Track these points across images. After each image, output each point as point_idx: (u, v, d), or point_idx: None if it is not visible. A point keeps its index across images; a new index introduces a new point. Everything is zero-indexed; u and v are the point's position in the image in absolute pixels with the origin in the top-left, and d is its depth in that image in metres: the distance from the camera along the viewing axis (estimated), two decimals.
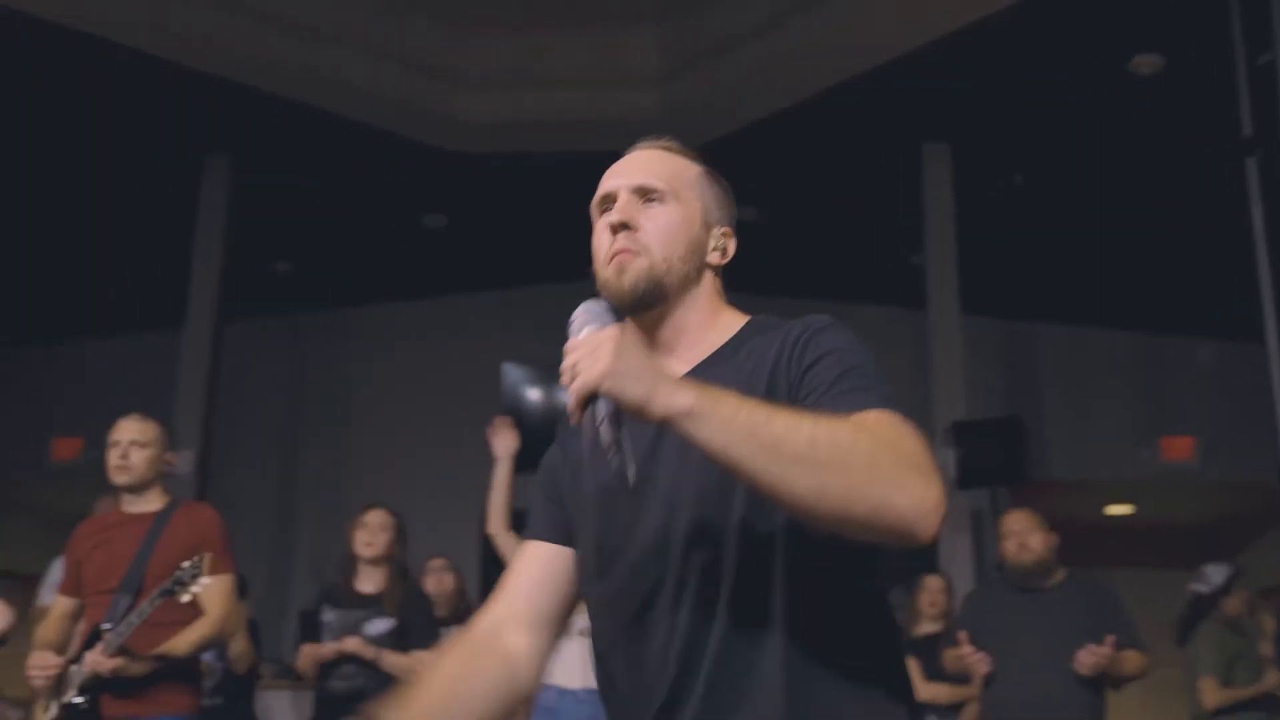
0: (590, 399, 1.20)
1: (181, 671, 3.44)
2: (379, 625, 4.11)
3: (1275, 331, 3.33)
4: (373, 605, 4.15)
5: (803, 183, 7.12)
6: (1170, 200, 6.75)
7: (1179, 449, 7.91)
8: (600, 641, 1.42)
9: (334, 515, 7.49)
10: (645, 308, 1.44)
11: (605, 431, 1.20)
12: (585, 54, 6.72)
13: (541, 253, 8.37)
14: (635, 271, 1.43)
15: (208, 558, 3.33)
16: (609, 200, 1.48)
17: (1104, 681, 3.83)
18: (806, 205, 7.37)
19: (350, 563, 4.25)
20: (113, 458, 3.57)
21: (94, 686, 3.31)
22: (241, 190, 7.06)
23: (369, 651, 4.02)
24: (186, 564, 3.30)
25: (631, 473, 1.22)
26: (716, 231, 1.49)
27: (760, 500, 1.22)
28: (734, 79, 6.43)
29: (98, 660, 3.27)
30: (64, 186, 7.00)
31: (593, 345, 1.20)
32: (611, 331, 1.22)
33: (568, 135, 6.73)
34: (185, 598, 3.30)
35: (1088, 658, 3.69)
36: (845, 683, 1.28)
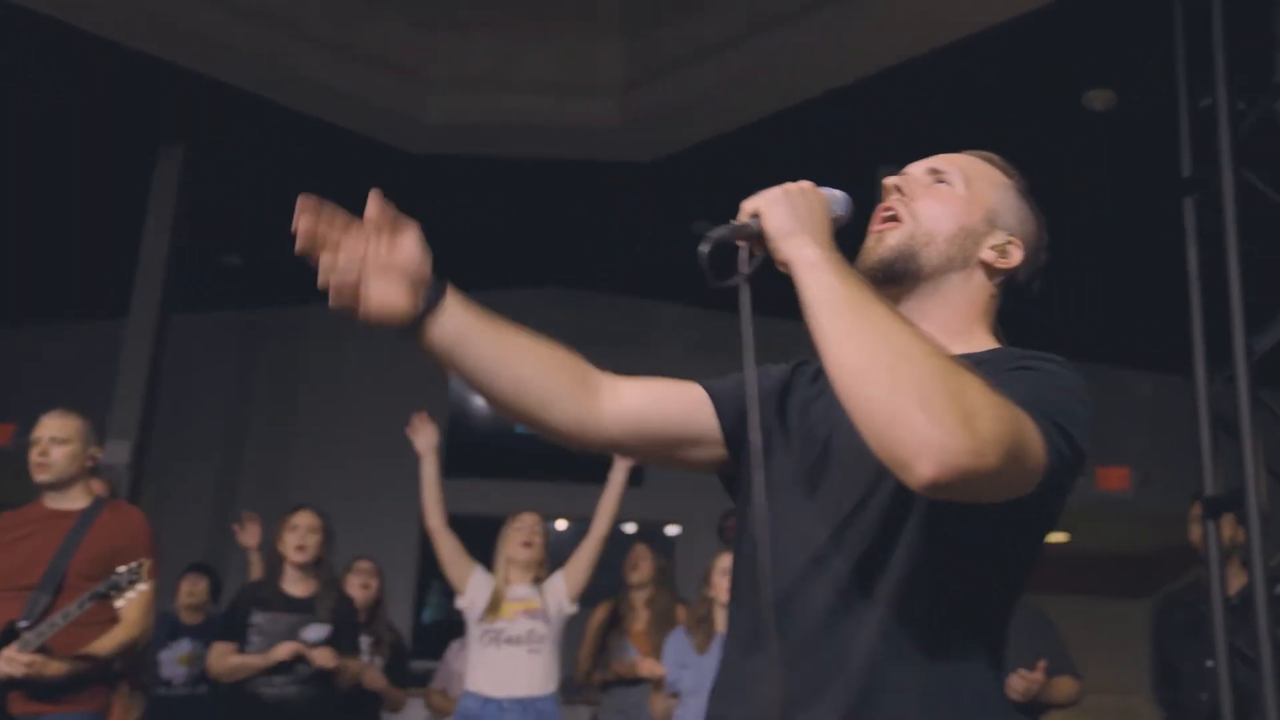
0: (751, 220, 1.26)
1: (96, 672, 3.37)
2: (316, 631, 4.02)
3: (1204, 368, 3.41)
4: (305, 610, 4.07)
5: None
6: (1115, 234, 6.88)
7: (1115, 479, 8.05)
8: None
9: (275, 513, 7.43)
10: (893, 281, 1.36)
11: (742, 250, 1.25)
12: (550, 61, 6.73)
13: (496, 257, 8.37)
14: (892, 239, 1.37)
15: (146, 564, 3.29)
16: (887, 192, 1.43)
17: (1035, 708, 3.88)
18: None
19: (278, 564, 4.14)
20: (33, 455, 3.49)
21: (4, 685, 3.24)
22: (195, 180, 6.98)
23: (322, 658, 3.92)
24: (124, 569, 3.24)
25: (743, 281, 1.24)
26: (1003, 235, 1.40)
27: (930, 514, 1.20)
28: (696, 93, 6.47)
29: (12, 658, 3.19)
30: (12, 169, 6.88)
31: (798, 186, 1.27)
32: (807, 184, 1.28)
33: (528, 141, 6.73)
34: (119, 602, 3.25)
35: (1019, 683, 3.73)
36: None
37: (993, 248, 1.39)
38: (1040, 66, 5.75)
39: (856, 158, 6.73)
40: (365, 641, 4.63)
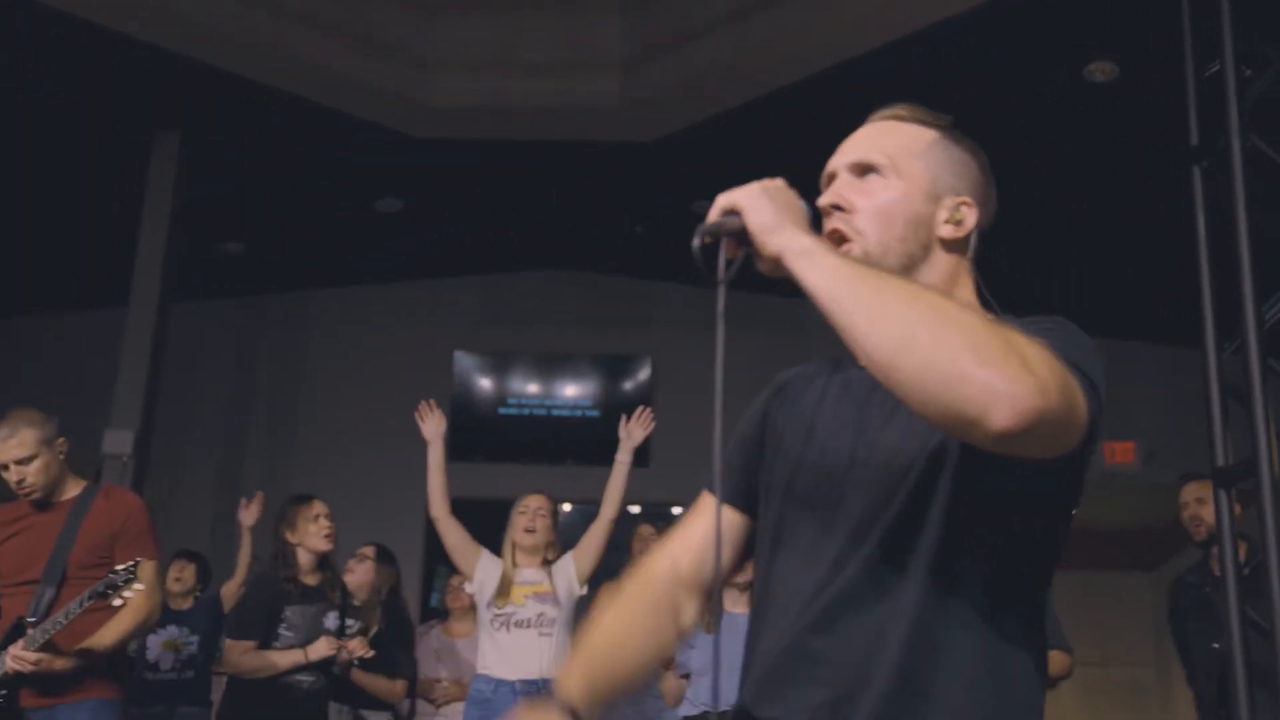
0: (729, 217, 1.23)
1: (103, 660, 3.36)
2: (332, 619, 4.07)
3: (1214, 338, 3.38)
4: (320, 599, 4.10)
5: (762, 177, 7.13)
6: (1121, 205, 6.85)
7: (1121, 453, 8.04)
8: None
9: (280, 501, 7.42)
10: None
11: (724, 246, 1.24)
12: (550, 42, 6.68)
13: (495, 241, 8.34)
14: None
15: (144, 563, 3.27)
16: (830, 181, 1.40)
17: None
18: None
19: (292, 555, 4.12)
20: (9, 481, 3.43)
21: (14, 681, 3.23)
22: (192, 167, 6.94)
23: (359, 648, 4.04)
24: (121, 568, 3.22)
25: (723, 272, 1.22)
26: (950, 201, 1.37)
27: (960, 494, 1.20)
28: (697, 71, 6.42)
29: (21, 656, 3.17)
30: (9, 159, 6.85)
31: (756, 184, 1.25)
32: (781, 181, 1.26)
33: (527, 122, 6.69)
34: (117, 601, 3.23)
35: None
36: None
37: (946, 221, 1.36)
38: (1043, 39, 5.70)
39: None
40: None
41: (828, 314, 1.14)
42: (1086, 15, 5.45)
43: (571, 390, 8.99)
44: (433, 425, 4.33)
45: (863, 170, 1.38)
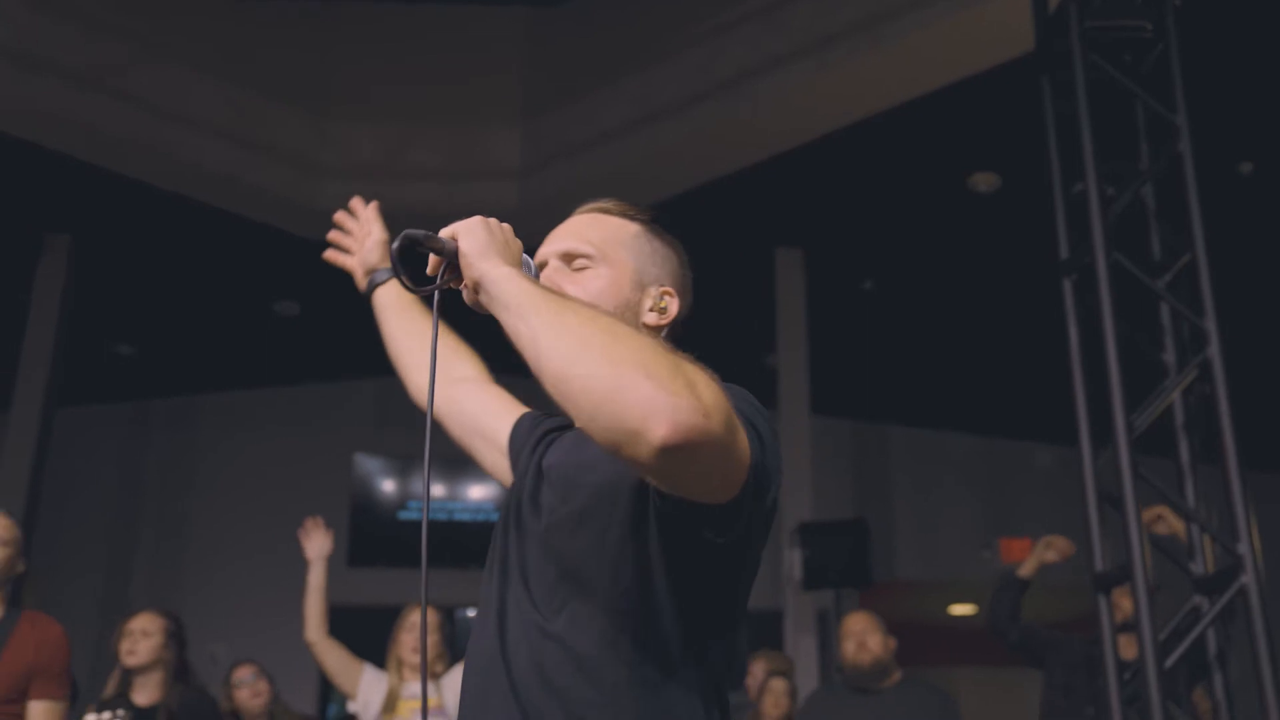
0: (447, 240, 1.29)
1: None
2: None
3: (1089, 444, 3.48)
4: (148, 719, 3.88)
5: None
6: (1010, 310, 7.07)
7: (1018, 551, 8.16)
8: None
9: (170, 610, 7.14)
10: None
11: (437, 267, 1.30)
12: (445, 147, 6.75)
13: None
14: None
15: (54, 706, 3.16)
16: (540, 269, 1.45)
17: None
18: None
19: (126, 674, 3.88)
20: None
21: None
22: (82, 269, 6.80)
23: None
24: (109, 715, 3.13)
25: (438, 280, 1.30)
26: (654, 290, 1.43)
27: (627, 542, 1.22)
28: (591, 177, 6.53)
29: None
30: None
31: (479, 217, 1.31)
32: (509, 226, 1.33)
33: (424, 225, 6.69)
34: None
35: None
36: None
37: (651, 309, 1.42)
38: (926, 150, 5.92)
39: (752, 240, 6.85)
40: None
41: (513, 333, 1.17)
42: (969, 127, 5.69)
43: (476, 493, 8.88)
44: (317, 544, 4.19)
45: (571, 259, 1.44)
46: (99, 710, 3.74)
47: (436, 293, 1.32)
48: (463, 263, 1.26)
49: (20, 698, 3.18)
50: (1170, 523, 3.63)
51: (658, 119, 6.12)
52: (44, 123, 5.84)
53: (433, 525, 8.80)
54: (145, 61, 6.06)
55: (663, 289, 1.44)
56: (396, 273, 1.29)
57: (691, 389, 1.05)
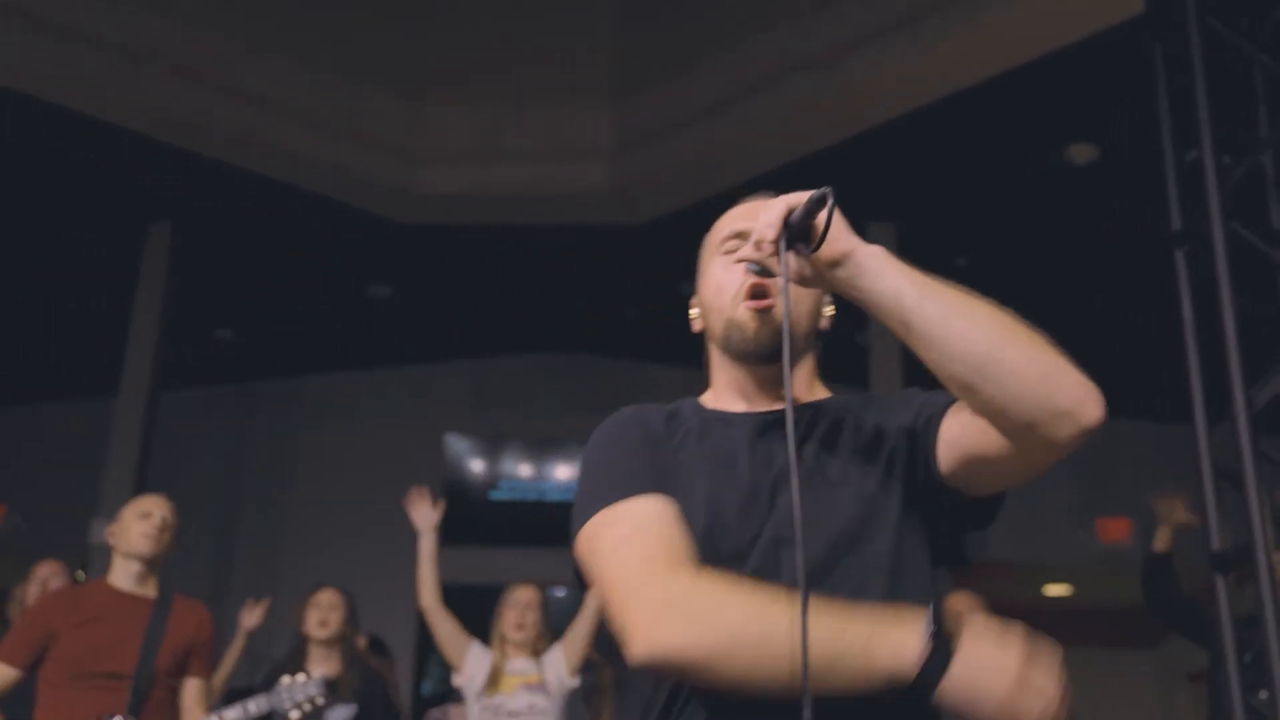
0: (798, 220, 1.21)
1: None
2: (341, 713, 3.97)
3: (1204, 420, 3.38)
4: (329, 690, 4.02)
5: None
6: (1109, 285, 6.90)
7: (1116, 531, 8.00)
8: None
9: (271, 591, 7.31)
10: (776, 360, 1.32)
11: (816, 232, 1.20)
12: (537, 129, 6.78)
13: (485, 325, 8.36)
14: (776, 322, 1.34)
15: (204, 684, 3.35)
16: (742, 238, 1.39)
17: None
18: None
19: (302, 644, 4.09)
20: (146, 526, 3.40)
21: None
22: (183, 256, 6.98)
23: None
24: (303, 678, 3.30)
25: (783, 268, 1.22)
26: (825, 298, 1.43)
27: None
28: (682, 158, 6.51)
29: None
30: (3, 250, 6.89)
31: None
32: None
33: (515, 208, 6.76)
34: (295, 715, 3.28)
35: None
36: None
37: (823, 315, 1.43)
38: (1022, 122, 5.79)
39: (851, 214, 6.75)
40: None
41: (907, 318, 1.17)
42: (1068, 98, 5.55)
43: (563, 473, 8.95)
44: (423, 514, 4.27)
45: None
46: (293, 674, 3.87)
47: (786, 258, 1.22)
48: (834, 234, 1.20)
49: (180, 673, 3.32)
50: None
51: (749, 96, 6.08)
52: (148, 113, 6.00)
53: (522, 505, 8.93)
54: (244, 51, 6.19)
55: (829, 298, 1.43)
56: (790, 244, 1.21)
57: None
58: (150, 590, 3.43)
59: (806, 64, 5.87)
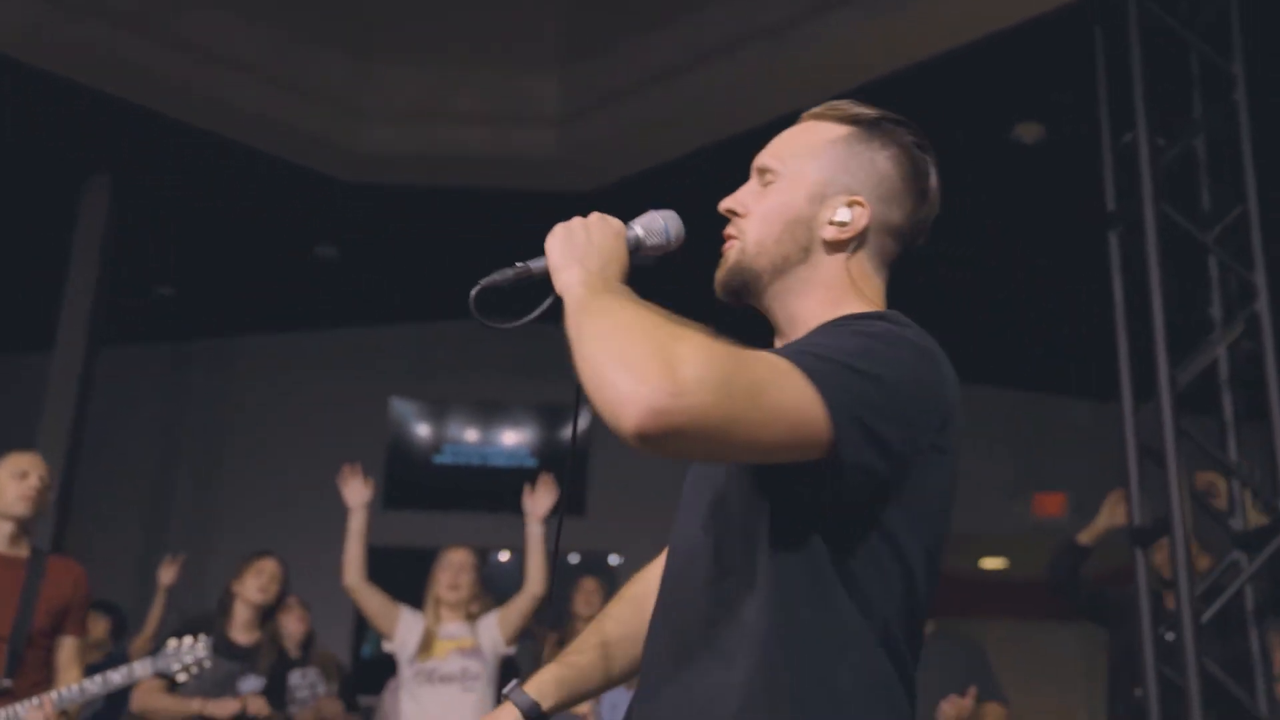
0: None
1: None
2: (251, 683, 3.94)
3: (1130, 399, 3.45)
4: (245, 659, 3.98)
5: (697, 231, 7.21)
6: (1050, 265, 6.99)
7: (1051, 505, 8.14)
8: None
9: (206, 553, 7.25)
10: (739, 299, 1.39)
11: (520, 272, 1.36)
12: (487, 92, 6.72)
13: (432, 288, 8.30)
14: (728, 259, 1.40)
15: (78, 642, 3.33)
16: (758, 172, 1.44)
17: None
18: (700, 254, 7.46)
19: (228, 607, 4.05)
20: (22, 487, 3.35)
21: None
22: (122, 210, 6.85)
23: (256, 707, 3.84)
24: (190, 641, 3.24)
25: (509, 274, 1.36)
26: (836, 201, 1.34)
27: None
28: (634, 123, 6.48)
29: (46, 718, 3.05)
30: None
31: (584, 219, 1.34)
32: (596, 216, 1.35)
33: (464, 170, 6.70)
34: (182, 677, 3.24)
35: (950, 709, 3.75)
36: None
37: (831, 223, 1.34)
38: (969, 99, 5.83)
39: None
40: (314, 672, 4.62)
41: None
42: (1015, 77, 5.59)
43: (509, 438, 8.95)
44: (356, 491, 4.24)
45: (761, 173, 1.42)
46: (227, 657, 3.87)
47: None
48: (553, 280, 1.31)
49: (55, 633, 3.31)
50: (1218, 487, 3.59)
51: (700, 66, 6.05)
52: (87, 62, 5.85)
53: (466, 470, 8.92)
54: (189, 3, 6.06)
55: (852, 198, 1.34)
56: (478, 317, 1.37)
57: (668, 370, 1.02)
58: (23, 550, 3.40)
59: (758, 34, 5.86)
